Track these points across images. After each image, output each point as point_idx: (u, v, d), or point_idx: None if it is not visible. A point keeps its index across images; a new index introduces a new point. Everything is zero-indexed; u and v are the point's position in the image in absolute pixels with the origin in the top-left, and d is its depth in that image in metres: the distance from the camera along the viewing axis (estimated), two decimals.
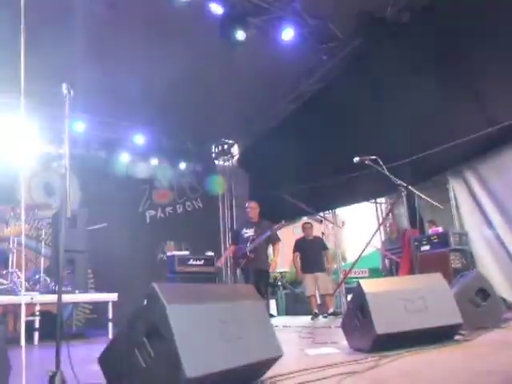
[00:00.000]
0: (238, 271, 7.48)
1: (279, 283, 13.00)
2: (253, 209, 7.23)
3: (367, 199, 9.92)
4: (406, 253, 7.34)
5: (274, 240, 7.17)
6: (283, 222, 7.15)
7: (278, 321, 7.93)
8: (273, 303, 11.42)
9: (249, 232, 7.03)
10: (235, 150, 10.81)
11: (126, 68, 6.91)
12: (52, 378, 2.41)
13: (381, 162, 4.59)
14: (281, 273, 13.83)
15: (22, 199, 4.93)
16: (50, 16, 5.72)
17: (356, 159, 4.70)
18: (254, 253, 6.77)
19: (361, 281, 3.52)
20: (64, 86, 2.88)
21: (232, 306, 2.55)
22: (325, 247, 8.75)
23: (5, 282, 6.32)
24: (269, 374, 2.59)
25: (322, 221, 12.36)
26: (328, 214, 11.42)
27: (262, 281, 6.78)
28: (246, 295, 2.78)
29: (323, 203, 9.57)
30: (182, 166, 10.21)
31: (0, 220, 5.69)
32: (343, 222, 13.97)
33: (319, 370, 2.65)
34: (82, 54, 6.26)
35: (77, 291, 6.44)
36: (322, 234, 11.64)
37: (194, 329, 2.20)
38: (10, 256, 6.50)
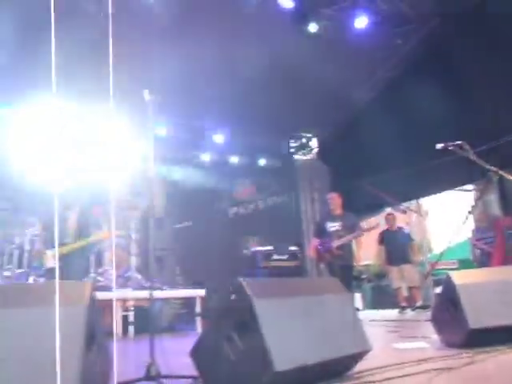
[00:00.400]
0: (322, 265, 7.27)
1: (364, 276, 12.76)
2: (334, 200, 7.07)
3: (453, 187, 9.48)
4: (498, 242, 6.92)
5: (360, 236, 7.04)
6: (376, 225, 7.17)
7: (364, 314, 7.80)
8: (358, 297, 11.23)
9: (335, 226, 6.87)
10: (314, 143, 10.72)
11: (203, 68, 7.08)
12: (148, 369, 2.55)
13: (467, 147, 4.36)
14: (365, 266, 13.57)
15: (112, 201, 5.19)
16: (131, 22, 5.97)
17: (439, 145, 4.49)
18: (341, 249, 6.65)
19: (451, 272, 3.37)
20: (146, 92, 3.01)
21: (318, 299, 2.54)
22: (410, 238, 8.48)
23: (101, 279, 6.73)
24: (357, 368, 2.56)
25: (405, 211, 11.98)
26: (412, 204, 11.04)
27: (347, 275, 6.63)
28: (331, 289, 2.75)
29: (406, 193, 9.28)
30: (262, 162, 10.30)
31: (93, 222, 6.02)
32: (427, 212, 13.42)
33: (410, 365, 2.57)
34: (161, 58, 6.51)
35: (165, 287, 6.73)
36: (407, 224, 11.29)
37: (281, 323, 2.22)
38: (104, 255, 6.90)
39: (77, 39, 5.34)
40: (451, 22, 6.02)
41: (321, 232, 7.10)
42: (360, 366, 2.55)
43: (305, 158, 11.01)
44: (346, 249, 6.76)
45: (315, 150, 10.76)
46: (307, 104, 8.46)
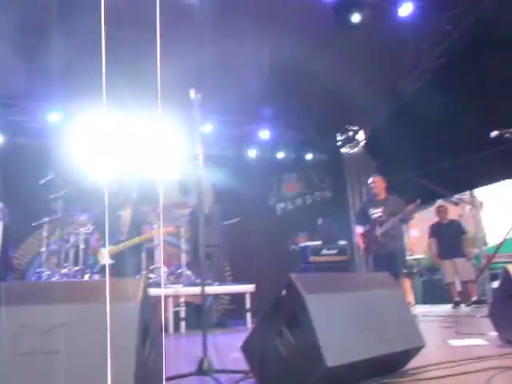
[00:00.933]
0: (370, 258, 6.71)
1: (415, 270, 12.48)
2: (377, 183, 6.48)
3: (509, 176, 9.11)
4: None
5: (407, 219, 6.46)
6: (418, 202, 6.04)
7: (416, 310, 7.63)
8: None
9: (377, 212, 6.30)
10: (360, 136, 10.56)
11: (247, 65, 7.09)
12: (201, 364, 2.59)
13: None
14: (416, 259, 13.28)
15: (161, 200, 5.32)
16: (176, 22, 6.07)
17: (494, 133, 4.32)
18: (385, 237, 6.07)
19: (508, 266, 3.24)
20: (192, 91, 3.05)
21: (369, 294, 2.52)
22: (463, 231, 8.23)
23: (152, 276, 6.90)
24: (410, 364, 2.51)
25: (457, 203, 11.62)
26: (465, 195, 10.70)
27: (394, 265, 5.94)
28: (382, 284, 2.72)
29: (459, 184, 8.99)
30: (309, 156, 10.23)
31: (145, 220, 6.15)
32: (481, 203, 12.97)
33: (467, 362, 2.49)
34: (205, 55, 6.59)
35: (216, 283, 6.83)
36: (459, 217, 10.94)
37: (332, 318, 2.21)
38: (155, 252, 7.07)
39: (123, 40, 5.48)
40: (503, 3, 5.76)
41: (363, 219, 6.58)
42: (414, 363, 2.50)
43: (352, 151, 10.86)
44: (392, 236, 6.11)
45: (362, 143, 10.60)
46: (353, 97, 8.34)
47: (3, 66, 6.32)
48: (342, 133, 10.76)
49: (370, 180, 6.67)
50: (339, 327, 2.21)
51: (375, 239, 6.17)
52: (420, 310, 7.84)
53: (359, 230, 6.59)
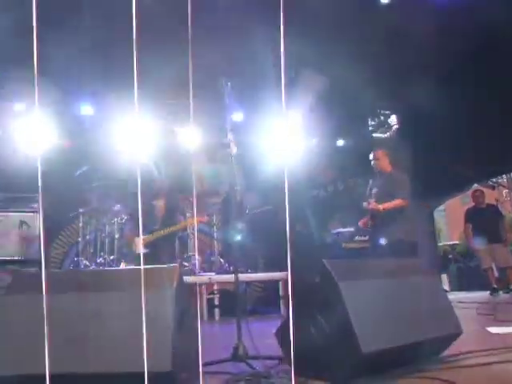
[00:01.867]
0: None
1: (450, 256, 12.29)
2: (381, 159, 5.55)
3: None
4: None
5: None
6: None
7: (452, 296, 7.51)
8: (444, 278, 10.84)
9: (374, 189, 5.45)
10: (393, 120, 10.36)
11: (269, 50, 7.08)
12: (236, 350, 2.62)
13: None
14: (451, 245, 13.06)
15: (194, 189, 5.35)
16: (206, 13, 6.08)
17: None
18: (375, 219, 5.28)
19: None
20: (222, 80, 3.06)
21: (403, 280, 2.49)
22: (500, 215, 8.03)
23: (186, 264, 7.00)
24: (447, 352, 2.47)
25: (494, 187, 11.34)
26: (502, 179, 10.43)
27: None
28: (416, 269, 2.69)
29: (496, 167, 8.75)
30: (340, 142, 10.11)
31: (179, 209, 6.22)
32: None
33: (507, 350, 2.43)
34: (236, 44, 6.61)
35: (249, 271, 6.88)
36: (496, 201, 10.70)
37: (366, 304, 2.19)
38: (189, 241, 7.17)
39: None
40: None
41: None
42: (451, 350, 2.46)
43: (384, 135, 10.69)
44: (385, 219, 5.18)
45: (395, 128, 10.41)
46: (384, 79, 8.19)
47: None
48: (374, 117, 10.59)
49: (371, 156, 5.67)
50: (373, 314, 2.19)
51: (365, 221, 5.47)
52: (455, 296, 7.73)
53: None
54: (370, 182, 5.70)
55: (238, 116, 8.69)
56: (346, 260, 5.18)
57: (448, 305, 2.60)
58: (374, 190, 5.45)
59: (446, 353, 2.46)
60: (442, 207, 13.55)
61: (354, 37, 6.71)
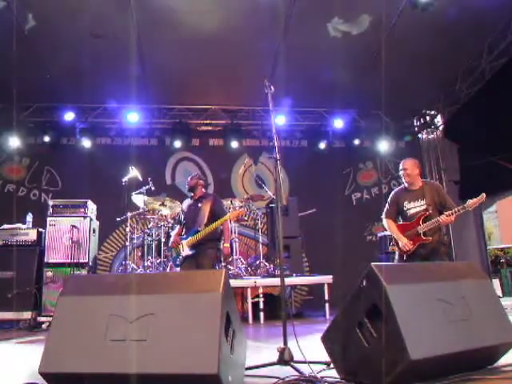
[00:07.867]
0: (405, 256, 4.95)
1: (502, 260, 11.83)
2: (410, 169, 4.91)
3: None
4: None
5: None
6: (483, 197, 4.35)
7: (505, 302, 7.22)
8: (496, 283, 10.44)
9: (416, 206, 4.81)
10: (439, 120, 10.11)
11: (320, 54, 7.06)
12: (281, 353, 2.62)
13: None
14: (503, 249, 12.59)
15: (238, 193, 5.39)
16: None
17: None
18: (427, 234, 4.68)
19: None
20: (266, 81, 3.07)
21: (454, 285, 2.41)
22: None
23: (231, 267, 7.06)
24: (502, 361, 2.37)
25: None
26: None
27: (438, 258, 4.64)
28: (469, 273, 2.58)
29: None
30: (384, 144, 9.91)
31: (223, 212, 6.27)
32: None
33: None
34: (279, 49, 6.64)
35: (294, 274, 6.85)
36: None
37: (415, 309, 2.14)
38: (234, 245, 7.21)
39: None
40: None
41: (395, 212, 5.04)
42: (506, 359, 2.36)
43: (430, 136, 10.44)
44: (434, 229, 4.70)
45: (441, 128, 10.14)
46: (429, 80, 8.02)
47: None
48: (419, 118, 10.37)
49: (401, 166, 5.04)
50: (423, 319, 2.13)
51: (417, 237, 4.75)
52: (508, 302, 7.43)
53: (391, 225, 5.04)
54: (392, 194, 5.20)
55: (280, 119, 8.69)
56: (394, 263, 5.05)
57: (502, 311, 2.49)
58: (418, 209, 4.81)
59: (501, 362, 2.36)
60: (493, 208, 13.05)
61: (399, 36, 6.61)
